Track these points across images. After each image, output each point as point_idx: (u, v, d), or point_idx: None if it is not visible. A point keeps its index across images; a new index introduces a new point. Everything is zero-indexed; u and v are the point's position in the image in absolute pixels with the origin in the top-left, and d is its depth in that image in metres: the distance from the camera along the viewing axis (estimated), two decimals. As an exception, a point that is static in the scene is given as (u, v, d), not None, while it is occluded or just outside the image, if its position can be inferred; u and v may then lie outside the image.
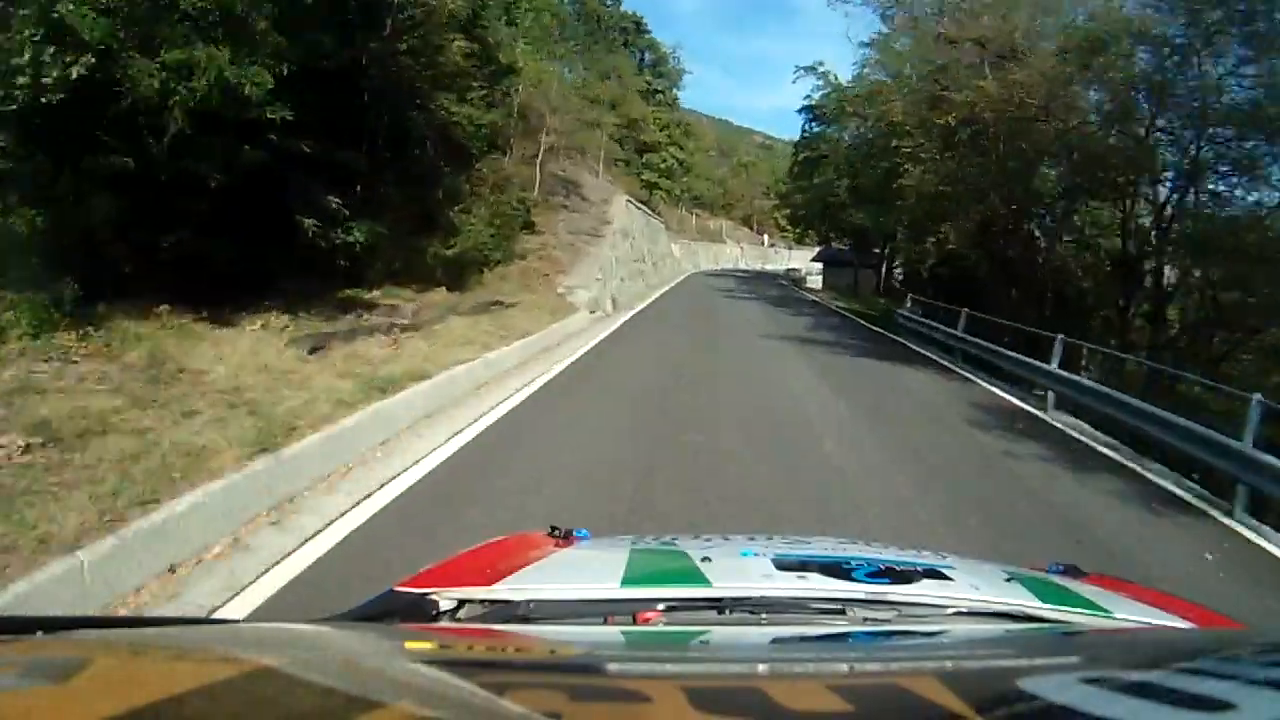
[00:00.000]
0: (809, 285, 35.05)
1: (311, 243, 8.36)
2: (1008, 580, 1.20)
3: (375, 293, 9.93)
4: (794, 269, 41.40)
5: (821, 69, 27.50)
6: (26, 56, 5.15)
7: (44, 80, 5.23)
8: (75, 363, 4.71)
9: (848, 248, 34.50)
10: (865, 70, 22.64)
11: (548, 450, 5.12)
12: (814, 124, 31.19)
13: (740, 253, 55.46)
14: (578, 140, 25.15)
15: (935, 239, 18.56)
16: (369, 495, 3.96)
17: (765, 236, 61.42)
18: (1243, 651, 0.81)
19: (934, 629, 1.01)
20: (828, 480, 4.95)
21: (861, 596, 1.04)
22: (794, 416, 6.85)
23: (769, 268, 51.46)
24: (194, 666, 0.62)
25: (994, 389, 9.76)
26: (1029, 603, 1.09)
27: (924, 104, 16.73)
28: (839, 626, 1.00)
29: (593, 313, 14.12)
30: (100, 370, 4.67)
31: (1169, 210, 13.26)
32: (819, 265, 37.61)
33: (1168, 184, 13.49)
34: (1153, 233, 13.53)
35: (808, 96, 29.41)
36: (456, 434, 5.32)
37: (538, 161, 19.88)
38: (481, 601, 1.04)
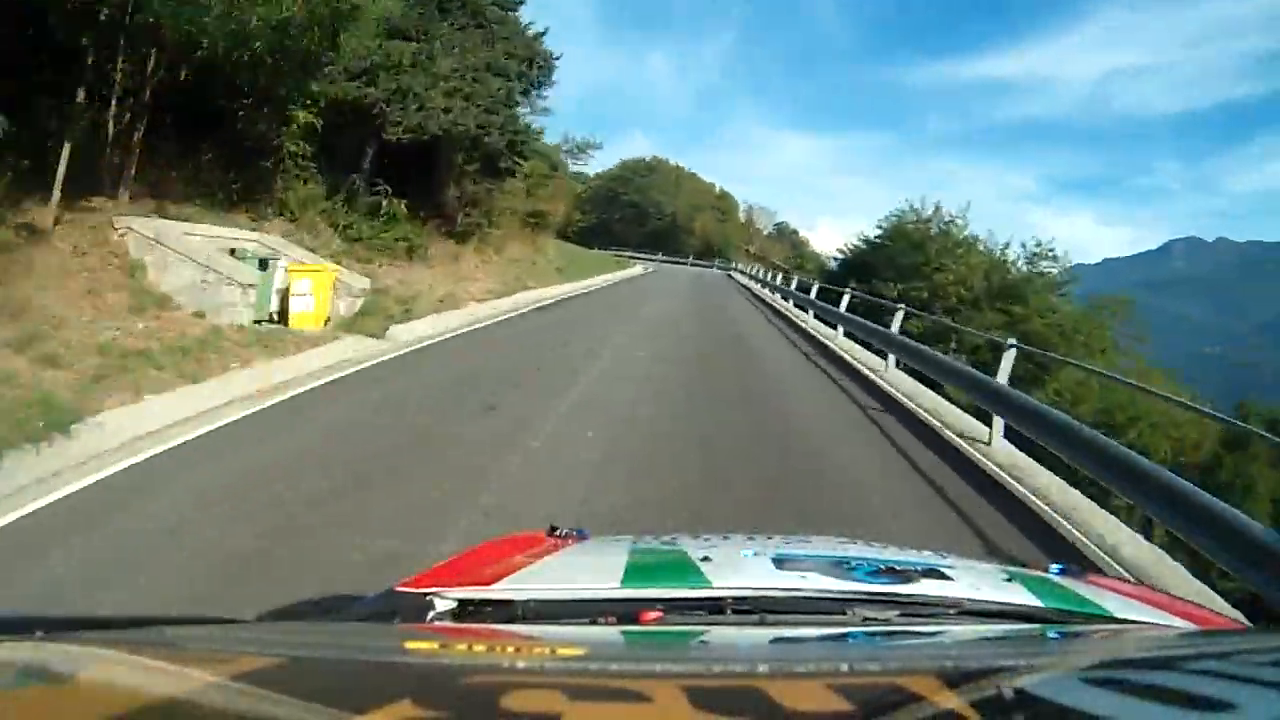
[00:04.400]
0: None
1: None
2: (1008, 580, 1.20)
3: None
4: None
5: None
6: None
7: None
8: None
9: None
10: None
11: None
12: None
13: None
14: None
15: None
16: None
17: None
18: (1243, 651, 0.81)
19: (934, 628, 1.01)
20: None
21: (862, 596, 1.04)
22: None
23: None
24: (194, 666, 0.62)
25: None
26: (1029, 602, 1.09)
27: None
28: (839, 626, 1.00)
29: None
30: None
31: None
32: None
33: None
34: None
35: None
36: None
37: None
38: (481, 601, 1.04)
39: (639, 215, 53.78)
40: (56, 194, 8.07)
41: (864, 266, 29.04)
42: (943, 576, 1.13)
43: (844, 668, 0.67)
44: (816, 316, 17.69)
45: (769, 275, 33.55)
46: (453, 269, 16.37)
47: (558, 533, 1.49)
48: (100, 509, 3.79)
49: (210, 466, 4.48)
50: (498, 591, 1.05)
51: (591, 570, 1.22)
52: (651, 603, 1.02)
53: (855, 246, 32.15)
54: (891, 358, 10.71)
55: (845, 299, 15.17)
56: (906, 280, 26.15)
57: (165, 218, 9.44)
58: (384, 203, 15.16)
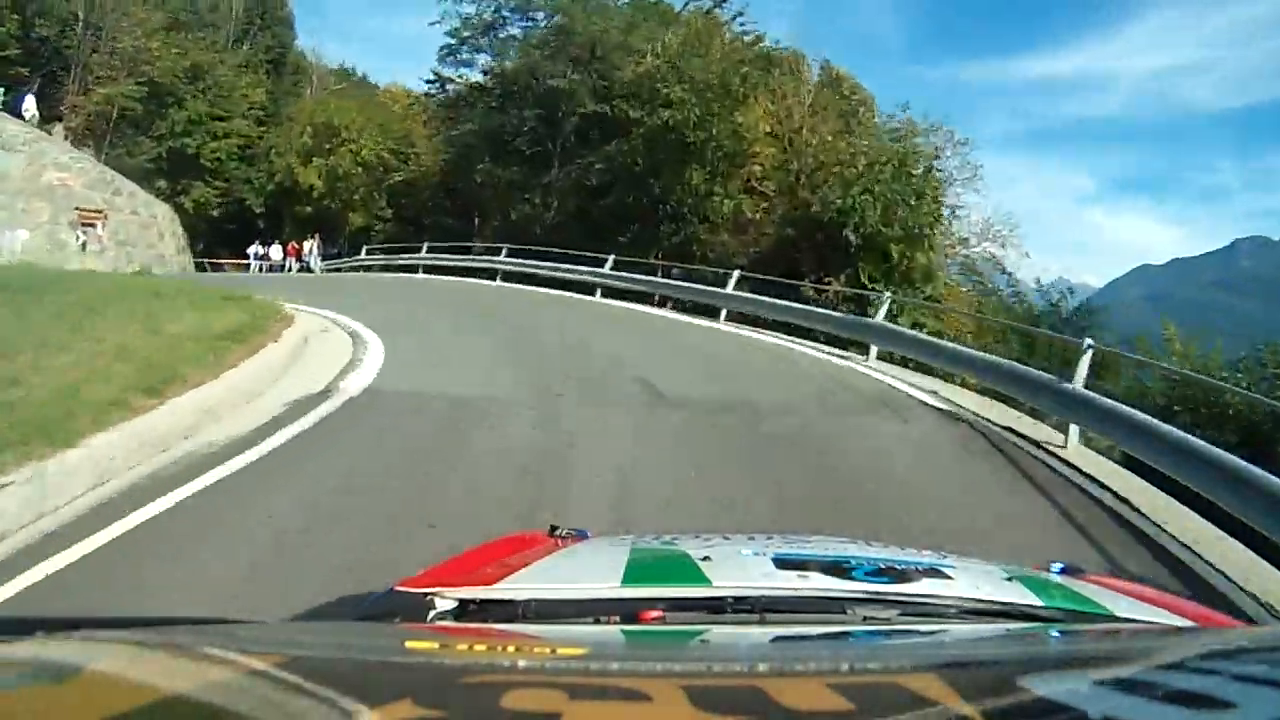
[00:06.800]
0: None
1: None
2: (1008, 580, 1.19)
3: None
4: None
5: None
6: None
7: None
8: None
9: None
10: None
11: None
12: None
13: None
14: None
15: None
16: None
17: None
18: (1243, 651, 0.81)
19: (935, 628, 1.00)
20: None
21: (862, 595, 1.04)
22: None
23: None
24: (194, 666, 0.62)
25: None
26: (1029, 602, 1.09)
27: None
28: (839, 625, 1.00)
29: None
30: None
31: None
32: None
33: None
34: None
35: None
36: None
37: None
38: (482, 601, 1.04)
39: (551, 134, 18.89)
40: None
41: None
42: (943, 576, 1.13)
43: (844, 667, 0.67)
44: None
45: None
46: None
47: (558, 532, 1.49)
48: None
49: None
50: (498, 591, 1.05)
51: (592, 570, 1.22)
52: (652, 602, 1.02)
53: None
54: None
55: None
56: None
57: None
58: None
